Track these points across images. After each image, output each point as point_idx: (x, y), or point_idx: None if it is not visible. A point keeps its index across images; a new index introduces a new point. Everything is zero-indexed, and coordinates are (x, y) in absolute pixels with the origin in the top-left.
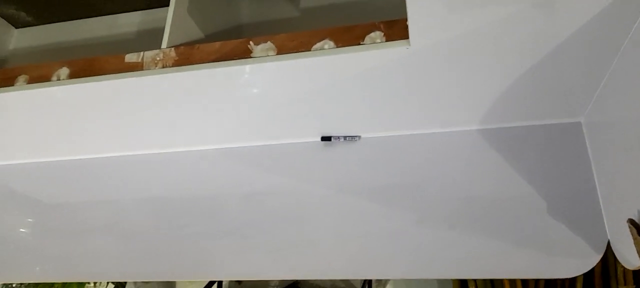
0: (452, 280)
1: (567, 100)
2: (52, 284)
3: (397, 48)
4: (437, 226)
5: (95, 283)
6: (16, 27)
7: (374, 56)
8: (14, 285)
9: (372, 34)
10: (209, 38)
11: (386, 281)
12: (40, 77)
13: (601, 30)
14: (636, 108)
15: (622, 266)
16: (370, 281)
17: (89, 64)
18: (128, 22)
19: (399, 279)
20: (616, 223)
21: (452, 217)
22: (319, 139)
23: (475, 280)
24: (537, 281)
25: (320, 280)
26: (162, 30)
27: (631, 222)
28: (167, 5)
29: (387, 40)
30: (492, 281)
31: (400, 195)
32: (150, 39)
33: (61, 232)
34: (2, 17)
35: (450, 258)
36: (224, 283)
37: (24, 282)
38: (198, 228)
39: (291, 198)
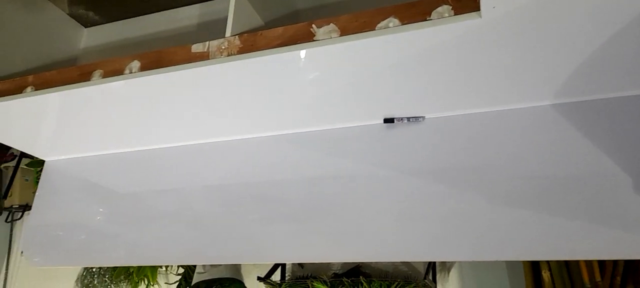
0: (523, 262)
1: None
2: (128, 268)
3: (467, 21)
4: (508, 206)
5: (166, 267)
6: (86, 27)
7: (442, 31)
8: (94, 270)
9: (440, 8)
10: (268, 25)
11: (451, 265)
12: (114, 71)
13: None
14: None
15: None
16: (434, 265)
17: (158, 56)
18: (187, 15)
19: (466, 262)
20: None
21: (524, 196)
22: (382, 121)
23: (548, 263)
24: (615, 263)
25: (383, 264)
26: (220, 20)
27: None
28: None
29: (455, 14)
30: (567, 263)
31: (467, 176)
32: (209, 29)
33: (135, 219)
34: (73, 18)
35: (522, 239)
36: (287, 266)
37: (103, 267)
38: (262, 213)
39: (354, 181)
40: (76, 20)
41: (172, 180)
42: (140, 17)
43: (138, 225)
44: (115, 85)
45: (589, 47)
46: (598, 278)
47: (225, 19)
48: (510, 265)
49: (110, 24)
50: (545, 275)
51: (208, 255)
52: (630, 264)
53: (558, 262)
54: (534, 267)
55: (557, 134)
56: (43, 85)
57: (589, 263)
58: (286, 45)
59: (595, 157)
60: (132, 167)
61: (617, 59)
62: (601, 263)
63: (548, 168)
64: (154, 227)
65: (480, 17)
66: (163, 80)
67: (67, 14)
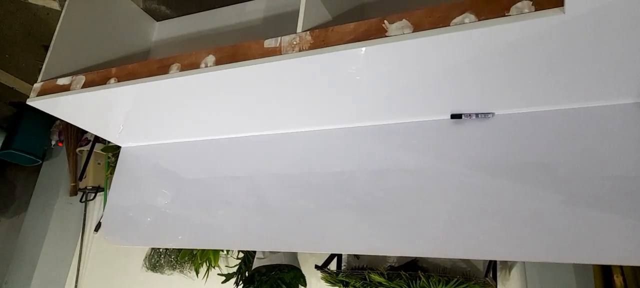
0: (593, 266)
1: None
2: (192, 250)
3: (548, 17)
4: (582, 207)
5: (227, 251)
6: (157, 20)
7: (522, 28)
8: (161, 250)
9: (519, 4)
10: (336, 19)
11: (512, 263)
12: (191, 65)
13: None
14: None
15: None
16: (495, 263)
17: (233, 50)
18: (255, 8)
19: (529, 262)
20: None
21: (601, 197)
22: (449, 117)
23: (621, 267)
24: None
25: (441, 259)
26: (287, 14)
27: None
28: None
29: (537, 9)
30: None
31: (537, 174)
32: (276, 23)
33: (204, 205)
34: (146, 12)
35: (598, 242)
36: (343, 256)
37: (170, 248)
38: (326, 204)
39: (417, 176)
40: (149, 14)
41: (240, 169)
42: (209, 11)
43: (207, 210)
44: (192, 78)
45: None
46: None
47: (292, 12)
48: (579, 267)
49: (180, 17)
50: (618, 279)
51: (271, 242)
52: None
53: (632, 266)
54: (605, 271)
55: (638, 134)
56: (126, 77)
57: None
58: (358, 41)
59: None
60: (202, 155)
61: None
62: None
63: (628, 169)
64: (222, 212)
65: (564, 13)
66: (237, 74)
67: (141, 8)
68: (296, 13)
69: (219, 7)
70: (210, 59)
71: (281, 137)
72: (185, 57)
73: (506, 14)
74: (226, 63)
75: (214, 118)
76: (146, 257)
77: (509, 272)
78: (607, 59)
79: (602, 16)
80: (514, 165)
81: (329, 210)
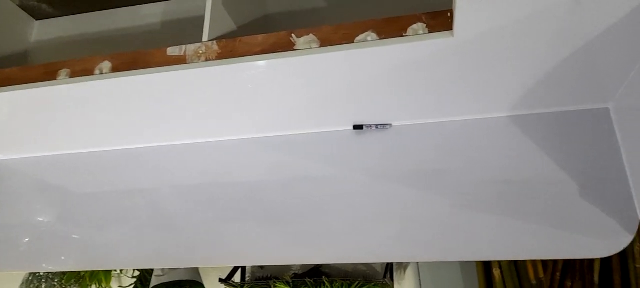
0: (476, 263)
1: (597, 88)
2: (79, 273)
3: (440, 39)
4: (466, 209)
5: (121, 271)
6: (37, 19)
7: (417, 47)
8: (41, 274)
9: (415, 26)
10: (241, 30)
11: (407, 264)
12: (83, 71)
13: (637, 22)
14: None
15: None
16: (391, 265)
17: (133, 57)
18: (151, 13)
19: (421, 262)
20: None
21: (482, 200)
22: (351, 128)
23: (499, 262)
24: (555, 262)
25: (343, 264)
26: (185, 21)
27: None
28: None
29: (430, 32)
30: (515, 262)
31: (430, 180)
32: (175, 30)
33: (95, 222)
34: (23, 10)
35: (479, 241)
36: (247, 268)
37: (51, 272)
38: (231, 216)
39: (323, 185)
40: (26, 12)
41: (138, 182)
42: (100, 12)
43: (99, 228)
44: (84, 86)
45: (543, 68)
46: (541, 275)
47: (192, 19)
48: (464, 263)
49: (65, 17)
50: (496, 273)
51: (171, 259)
52: (568, 262)
53: (508, 261)
54: (486, 266)
55: (514, 144)
56: (3, 82)
57: (534, 261)
58: (267, 53)
59: (545, 165)
60: (95, 168)
61: (567, 78)
62: (544, 261)
63: (504, 174)
64: (116, 229)
65: (453, 36)
66: (137, 82)
67: (17, 5)
68: (196, 20)
69: (111, 8)
70: (106, 65)
71: (184, 148)
72: (77, 63)
73: (404, 35)
74: (125, 70)
75: (108, 128)
76: (24, 282)
77: (404, 272)
78: (486, 78)
79: (485, 41)
80: (409, 173)
81: (233, 221)
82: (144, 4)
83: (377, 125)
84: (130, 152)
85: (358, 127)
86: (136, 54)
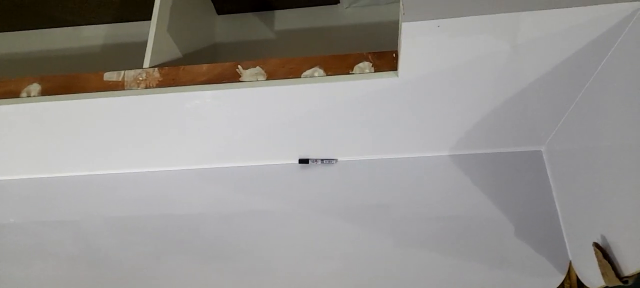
0: None
1: (531, 131)
2: None
3: (385, 79)
4: (406, 244)
5: None
6: None
7: (363, 85)
8: None
9: (361, 64)
10: (186, 57)
11: None
12: (8, 93)
13: (567, 72)
14: (598, 138)
15: (575, 284)
16: None
17: (66, 81)
18: (92, 35)
19: None
20: (578, 245)
21: (423, 237)
22: (297, 162)
23: None
24: None
25: None
26: (129, 46)
27: (596, 245)
28: (131, 20)
29: (376, 71)
30: None
31: (375, 216)
32: (116, 54)
33: (14, 256)
34: None
35: (418, 278)
36: None
37: None
38: (166, 248)
39: (267, 219)
40: None
41: (67, 212)
42: (35, 31)
43: (19, 262)
44: (6, 109)
45: (481, 111)
46: None
47: (133, 44)
48: None
49: None
50: None
51: None
52: None
53: None
54: None
55: (453, 182)
56: None
57: None
58: (211, 83)
59: (483, 204)
60: (17, 197)
61: (504, 121)
62: None
63: (444, 211)
64: (40, 264)
65: (397, 76)
66: (68, 107)
67: None
68: (140, 46)
69: (47, 28)
70: (35, 87)
71: (121, 177)
72: (2, 84)
73: (350, 72)
74: (56, 94)
75: (35, 154)
76: None
77: None
78: (429, 117)
79: (427, 83)
80: (353, 208)
81: (170, 256)
82: (87, 25)
83: (322, 160)
84: (60, 180)
85: (303, 161)
86: (69, 77)
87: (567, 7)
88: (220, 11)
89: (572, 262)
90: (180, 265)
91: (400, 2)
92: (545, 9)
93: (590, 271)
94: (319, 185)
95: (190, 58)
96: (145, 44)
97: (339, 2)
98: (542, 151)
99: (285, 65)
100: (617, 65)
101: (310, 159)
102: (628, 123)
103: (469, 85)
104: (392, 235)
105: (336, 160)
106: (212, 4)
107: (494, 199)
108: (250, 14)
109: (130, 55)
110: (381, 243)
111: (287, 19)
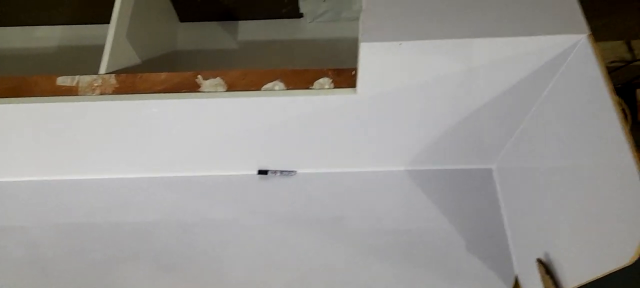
0: None
1: (482, 150)
2: None
3: (344, 95)
4: (362, 255)
5: None
6: None
7: (322, 101)
8: None
9: (321, 80)
10: (145, 64)
11: None
12: None
13: (516, 95)
14: (541, 160)
15: None
16: None
17: (15, 83)
18: (46, 35)
19: None
20: (524, 261)
21: (378, 249)
22: (256, 172)
23: None
24: None
25: None
26: (84, 48)
27: (539, 261)
28: (88, 23)
29: (335, 87)
30: None
31: (331, 228)
32: (71, 56)
33: None
34: None
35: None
36: None
37: None
38: (117, 255)
39: (224, 229)
40: None
41: (11, 217)
42: None
43: None
44: None
45: (436, 128)
46: None
47: (91, 47)
48: None
49: None
50: None
51: None
52: None
53: None
54: None
55: (409, 196)
56: None
57: None
58: (170, 92)
59: (437, 218)
60: None
61: (457, 139)
62: None
63: (399, 224)
64: None
65: (356, 93)
66: (17, 111)
67: None
68: (98, 49)
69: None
70: None
71: (70, 184)
72: None
73: (310, 87)
74: (5, 97)
75: None
76: None
77: None
78: (386, 133)
79: (385, 100)
80: (310, 220)
81: (122, 263)
82: (41, 25)
83: (281, 171)
84: (8, 185)
85: (262, 172)
86: (19, 80)
87: (514, 36)
88: (183, 18)
89: (518, 277)
90: (133, 273)
91: (360, 23)
92: (495, 37)
93: (534, 286)
94: (277, 197)
95: (150, 65)
96: (102, 48)
97: (302, 16)
98: (493, 169)
99: (245, 77)
100: (559, 92)
101: (269, 170)
102: (567, 147)
103: (424, 104)
104: (347, 247)
105: (295, 172)
106: (174, 11)
107: (446, 214)
108: (213, 22)
109: (86, 60)
110: (336, 256)
111: (250, 30)
